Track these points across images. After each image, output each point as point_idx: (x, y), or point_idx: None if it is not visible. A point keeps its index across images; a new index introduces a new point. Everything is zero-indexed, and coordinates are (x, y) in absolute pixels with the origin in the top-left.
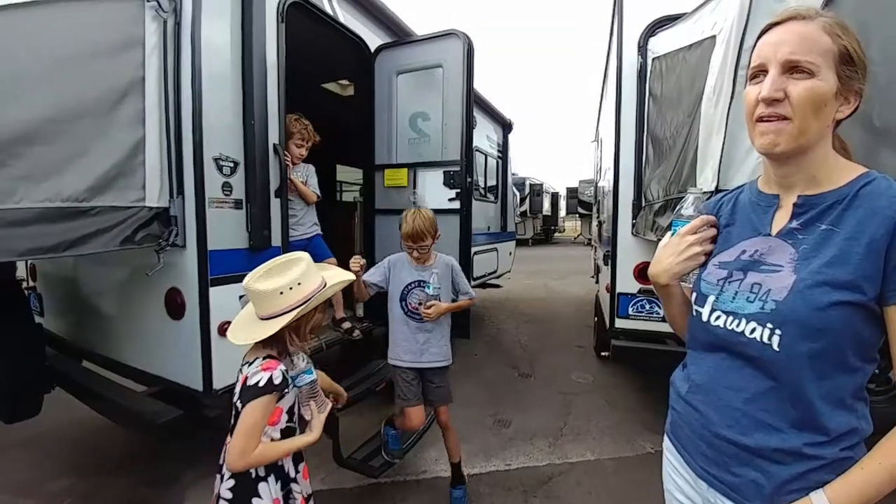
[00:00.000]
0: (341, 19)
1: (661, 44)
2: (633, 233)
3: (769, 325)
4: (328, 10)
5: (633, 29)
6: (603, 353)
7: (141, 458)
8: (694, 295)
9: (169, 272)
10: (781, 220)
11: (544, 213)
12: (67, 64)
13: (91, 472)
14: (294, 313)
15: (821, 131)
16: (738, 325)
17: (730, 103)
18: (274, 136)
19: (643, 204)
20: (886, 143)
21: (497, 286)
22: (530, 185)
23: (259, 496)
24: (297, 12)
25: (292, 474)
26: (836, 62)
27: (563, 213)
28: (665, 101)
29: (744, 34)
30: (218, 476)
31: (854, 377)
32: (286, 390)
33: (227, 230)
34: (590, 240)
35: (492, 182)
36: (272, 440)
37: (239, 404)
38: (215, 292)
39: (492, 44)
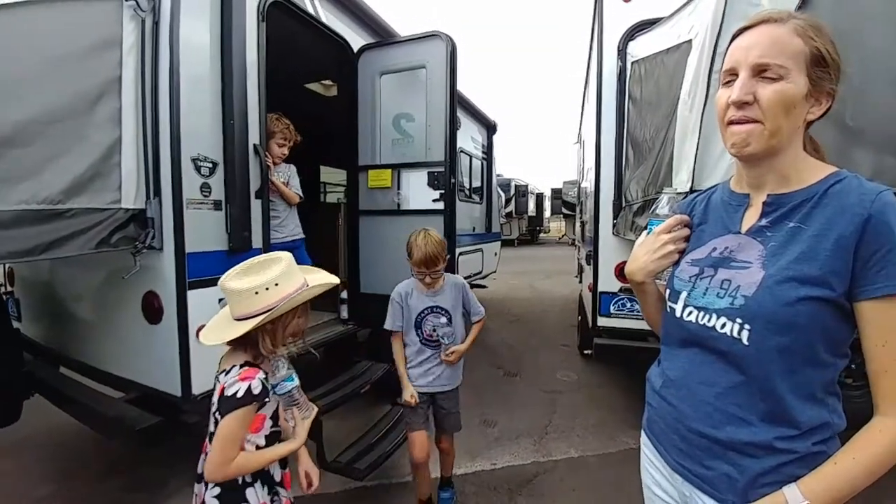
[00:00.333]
0: (323, 19)
1: (641, 48)
2: (613, 233)
3: (738, 320)
4: (310, 9)
5: (612, 33)
6: (587, 352)
7: (123, 462)
8: (668, 291)
9: (146, 275)
10: (751, 218)
11: (529, 213)
12: (44, 64)
13: (75, 478)
14: (266, 315)
15: (791, 133)
16: (709, 320)
17: (704, 106)
18: (254, 136)
19: (623, 204)
20: (859, 143)
21: (483, 286)
22: (516, 186)
23: (247, 502)
24: (278, 11)
25: (278, 478)
26: (807, 64)
27: (547, 213)
28: (644, 104)
29: (717, 38)
30: (197, 484)
31: (825, 372)
32: (266, 399)
33: (206, 232)
34: (574, 240)
35: (477, 183)
36: (257, 447)
37: (218, 416)
38: (193, 296)
39: (473, 42)
